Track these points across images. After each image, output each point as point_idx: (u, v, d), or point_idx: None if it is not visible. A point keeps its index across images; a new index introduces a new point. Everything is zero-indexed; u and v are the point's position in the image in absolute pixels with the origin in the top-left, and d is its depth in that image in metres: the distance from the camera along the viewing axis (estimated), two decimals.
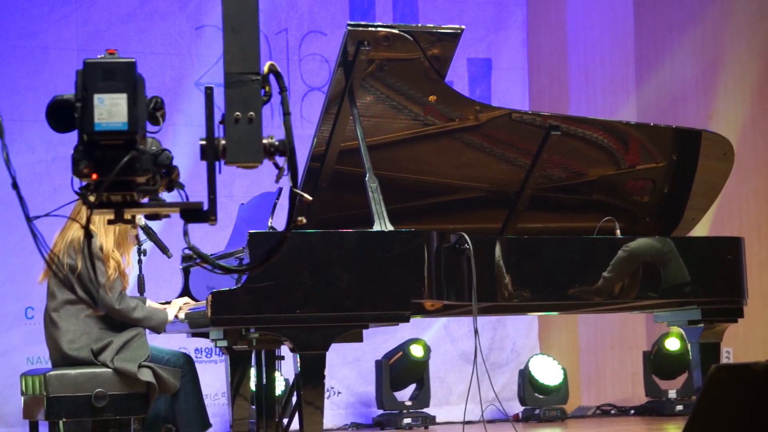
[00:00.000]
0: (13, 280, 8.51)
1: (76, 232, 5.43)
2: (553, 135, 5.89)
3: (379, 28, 5.34)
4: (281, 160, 2.77)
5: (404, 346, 9.16)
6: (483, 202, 6.15)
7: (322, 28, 9.40)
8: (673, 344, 9.68)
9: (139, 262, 6.02)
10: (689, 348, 6.04)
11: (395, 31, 5.37)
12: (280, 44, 9.39)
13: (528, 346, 10.01)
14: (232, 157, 2.83)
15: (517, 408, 9.74)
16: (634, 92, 10.53)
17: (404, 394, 9.35)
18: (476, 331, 5.22)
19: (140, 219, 5.65)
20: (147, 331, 5.47)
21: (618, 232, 5.95)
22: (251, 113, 2.76)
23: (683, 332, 6.08)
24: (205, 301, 4.96)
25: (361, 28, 5.27)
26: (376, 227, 5.12)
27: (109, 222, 2.79)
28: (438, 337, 9.68)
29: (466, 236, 5.22)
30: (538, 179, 6.03)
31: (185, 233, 2.87)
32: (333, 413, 9.29)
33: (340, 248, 5.01)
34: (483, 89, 9.99)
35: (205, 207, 2.84)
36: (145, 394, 5.32)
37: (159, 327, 5.46)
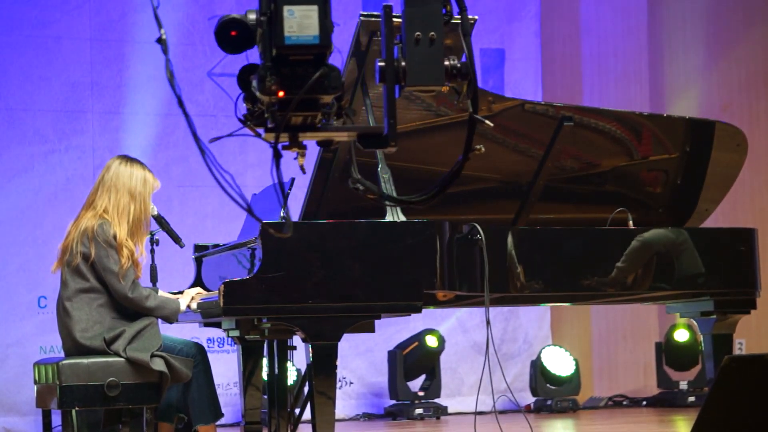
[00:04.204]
0: (26, 270, 8.53)
1: (89, 220, 5.44)
2: (566, 126, 5.87)
3: (392, 19, 5.32)
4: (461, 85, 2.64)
5: (419, 336, 9.18)
6: (495, 192, 6.14)
7: (335, 18, 9.33)
8: (682, 335, 9.68)
9: (152, 251, 6.03)
10: (700, 339, 6.03)
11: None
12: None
13: (540, 336, 10.01)
14: (413, 79, 2.62)
15: (529, 399, 9.75)
16: (647, 83, 10.50)
17: (415, 385, 9.36)
18: (488, 322, 5.22)
19: (153, 209, 5.66)
20: (159, 320, 5.48)
21: (631, 223, 5.94)
22: (432, 33, 2.61)
23: (694, 323, 6.07)
24: (217, 291, 4.97)
25: (374, 19, 5.26)
26: (389, 218, 5.12)
27: (284, 147, 2.61)
28: (450, 327, 9.69)
29: (479, 227, 5.21)
30: (551, 170, 6.02)
31: (353, 165, 2.73)
32: (345, 403, 9.30)
33: (352, 239, 5.01)
34: (496, 80, 9.98)
35: (385, 131, 2.64)
36: (158, 383, 5.33)
37: (171, 316, 5.46)
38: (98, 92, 8.89)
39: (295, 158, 2.74)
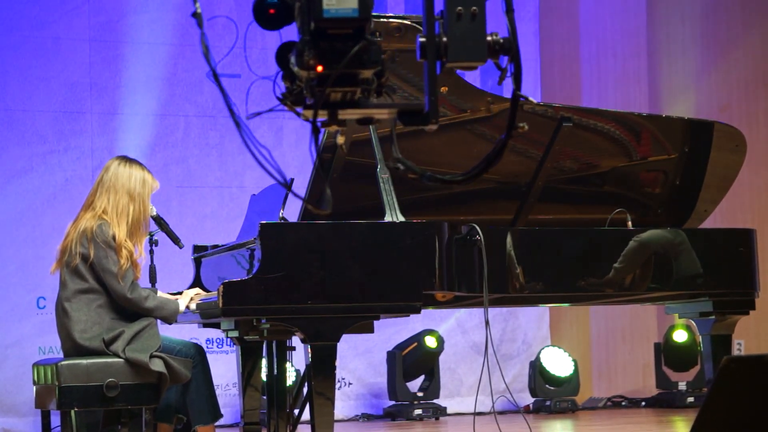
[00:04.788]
0: (25, 271, 8.53)
1: (89, 221, 5.44)
2: (565, 126, 5.87)
3: (390, 19, 5.32)
4: (504, 60, 2.55)
5: (419, 337, 9.18)
6: (494, 193, 6.14)
7: None
8: (680, 336, 9.69)
9: (151, 252, 6.03)
10: (699, 340, 6.03)
11: (407, 22, 5.35)
12: (292, 36, 9.38)
13: (539, 337, 10.01)
14: (454, 55, 2.54)
15: (527, 399, 9.75)
16: (646, 83, 10.51)
17: (414, 385, 9.36)
18: (487, 323, 5.22)
19: (152, 209, 5.66)
20: (158, 321, 5.48)
21: (630, 223, 5.94)
22: (474, 8, 2.55)
23: (693, 324, 6.07)
24: (216, 292, 4.97)
25: (372, 19, 5.25)
26: (388, 218, 5.12)
27: (323, 124, 2.54)
28: (449, 328, 9.69)
29: (478, 227, 5.21)
30: (550, 170, 6.02)
31: (393, 144, 2.65)
32: (344, 404, 9.30)
33: (352, 239, 5.02)
34: (495, 81, 9.95)
35: (426, 108, 2.58)
36: (157, 384, 5.33)
37: (170, 317, 5.46)
38: (97, 93, 8.89)
39: (335, 137, 2.68)
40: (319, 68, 2.43)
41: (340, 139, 2.33)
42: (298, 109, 2.52)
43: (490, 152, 2.61)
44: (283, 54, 2.53)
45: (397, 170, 2.67)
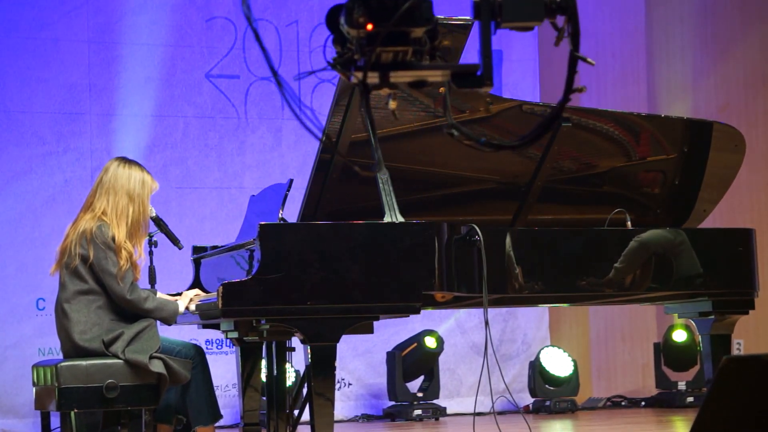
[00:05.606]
0: (25, 272, 8.53)
1: (88, 222, 5.44)
2: (564, 127, 5.88)
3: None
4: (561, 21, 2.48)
5: (418, 338, 9.18)
6: (494, 193, 6.15)
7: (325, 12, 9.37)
8: (680, 336, 9.69)
9: (150, 253, 6.03)
10: (699, 339, 6.03)
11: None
12: (291, 36, 9.39)
13: (539, 337, 10.01)
14: (509, 15, 2.45)
15: (527, 399, 9.75)
16: (645, 83, 10.51)
17: (414, 386, 9.36)
18: (487, 323, 5.22)
19: (152, 210, 5.66)
20: (158, 322, 5.48)
21: (629, 223, 5.94)
22: None
23: (693, 324, 6.07)
24: (215, 293, 4.97)
25: None
26: (387, 219, 5.12)
27: (374, 87, 2.47)
28: (449, 328, 9.69)
29: (477, 228, 5.22)
30: (549, 171, 6.02)
31: (447, 110, 2.58)
32: (343, 404, 9.30)
33: (351, 240, 5.02)
34: (493, 81, 9.97)
35: (480, 71, 2.50)
36: (156, 385, 5.33)
37: (170, 318, 5.46)
38: (96, 94, 8.89)
39: (387, 102, 2.61)
40: (369, 26, 2.37)
41: (393, 104, 2.26)
42: (349, 73, 2.44)
43: (547, 115, 2.52)
44: (333, 17, 2.47)
45: (452, 136, 2.60)
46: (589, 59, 2.58)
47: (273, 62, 2.44)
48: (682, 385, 9.70)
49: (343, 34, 2.44)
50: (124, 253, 5.40)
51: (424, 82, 2.52)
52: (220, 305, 4.88)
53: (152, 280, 6.02)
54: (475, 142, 2.54)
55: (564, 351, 9.77)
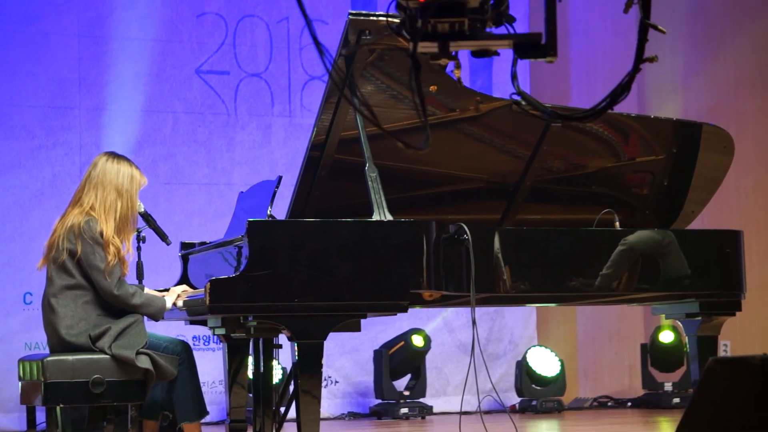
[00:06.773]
0: (12, 266, 8.52)
1: (76, 217, 5.43)
2: (554, 126, 5.88)
3: (380, 18, 5.32)
4: None
5: (405, 336, 9.18)
6: (483, 192, 6.14)
7: (324, 17, 9.39)
8: (667, 337, 9.70)
9: (138, 249, 6.02)
10: (686, 341, 6.04)
11: (397, 20, 5.36)
12: (281, 33, 9.38)
13: (526, 337, 10.02)
14: None
15: (514, 399, 9.76)
16: (635, 84, 10.49)
17: (400, 384, 9.36)
18: (474, 322, 5.22)
19: (140, 206, 5.65)
20: (145, 318, 5.47)
21: (617, 224, 5.94)
22: None
23: (680, 324, 6.08)
24: (203, 289, 4.96)
25: (362, 18, 5.25)
26: (375, 217, 5.12)
27: (432, 57, 2.40)
28: (436, 327, 9.70)
29: (465, 227, 5.21)
30: (538, 170, 6.02)
31: (513, 77, 2.54)
32: (330, 402, 9.30)
33: (339, 238, 5.01)
34: (484, 80, 9.98)
35: (544, 40, 2.46)
36: (143, 381, 5.32)
37: (157, 314, 5.46)
38: (86, 88, 8.88)
39: (451, 71, 2.55)
40: None
41: (457, 73, 2.20)
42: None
43: (616, 86, 2.49)
44: None
45: (519, 105, 2.55)
46: (660, 27, 2.54)
47: (314, 30, 2.41)
48: (668, 386, 9.72)
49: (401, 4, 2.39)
50: (111, 249, 5.39)
51: (487, 51, 2.47)
52: (207, 301, 4.88)
53: (140, 275, 6.01)
54: (542, 113, 2.50)
55: (551, 351, 9.78)
